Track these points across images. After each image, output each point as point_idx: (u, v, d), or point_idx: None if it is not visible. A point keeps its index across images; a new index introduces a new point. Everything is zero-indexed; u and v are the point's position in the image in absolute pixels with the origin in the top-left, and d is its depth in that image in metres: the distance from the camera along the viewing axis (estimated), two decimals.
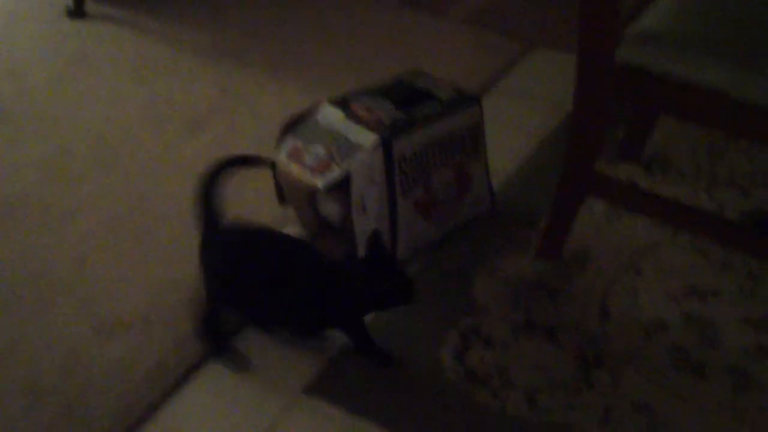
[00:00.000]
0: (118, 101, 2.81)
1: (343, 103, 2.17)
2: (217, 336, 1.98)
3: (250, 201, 2.37)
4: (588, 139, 2.02)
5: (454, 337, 2.01)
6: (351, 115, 2.12)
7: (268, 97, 2.81)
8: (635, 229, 2.28)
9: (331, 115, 2.14)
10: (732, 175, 2.44)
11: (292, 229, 2.23)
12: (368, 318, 1.94)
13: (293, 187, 2.14)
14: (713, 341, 1.99)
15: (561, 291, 2.12)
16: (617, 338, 2.01)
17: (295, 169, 2.11)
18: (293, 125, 2.18)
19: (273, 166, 2.19)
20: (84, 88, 2.86)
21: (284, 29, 3.17)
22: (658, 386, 1.90)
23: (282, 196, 2.24)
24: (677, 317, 2.05)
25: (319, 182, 2.05)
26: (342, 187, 2.05)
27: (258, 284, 1.88)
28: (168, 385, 1.92)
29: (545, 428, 1.82)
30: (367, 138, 2.05)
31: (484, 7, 3.25)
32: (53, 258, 2.23)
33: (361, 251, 2.12)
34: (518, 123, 2.68)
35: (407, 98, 2.18)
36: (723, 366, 1.94)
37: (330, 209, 2.12)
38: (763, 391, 1.88)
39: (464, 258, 2.22)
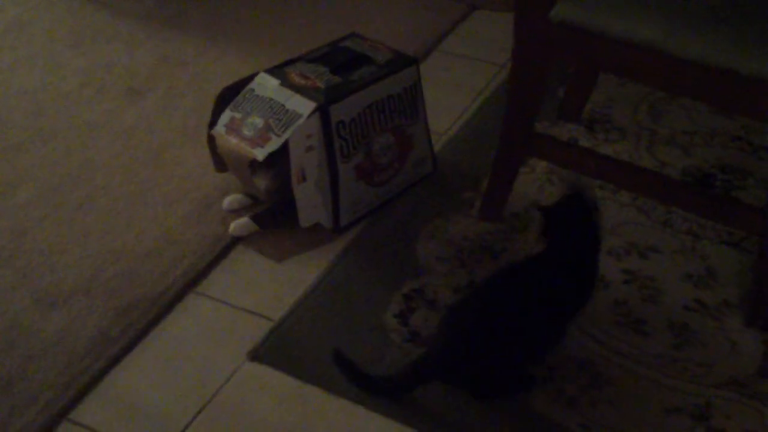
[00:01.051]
0: (55, 69, 2.77)
1: (278, 72, 2.15)
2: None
3: (192, 171, 2.35)
4: (526, 99, 2.03)
5: (398, 298, 2.02)
6: (287, 83, 2.11)
7: (208, 63, 2.78)
8: None
9: (267, 84, 2.12)
10: (672, 134, 2.45)
11: (235, 196, 2.21)
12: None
13: (234, 159, 2.11)
14: (654, 297, 2.01)
15: (503, 251, 2.13)
16: None
17: (234, 142, 2.09)
18: (228, 95, 2.15)
19: (209, 137, 2.17)
20: (21, 57, 2.82)
21: None
22: (600, 343, 1.92)
23: (219, 165, 2.22)
24: (618, 274, 2.07)
25: (258, 154, 2.03)
26: (282, 157, 2.04)
27: None
28: (111, 354, 1.91)
29: None
30: (303, 106, 2.04)
31: None
32: None
33: (305, 220, 2.11)
34: (460, 84, 2.67)
35: (344, 63, 2.17)
36: (663, 321, 1.96)
37: (271, 178, 2.11)
38: (702, 346, 1.91)
39: (407, 220, 2.22)
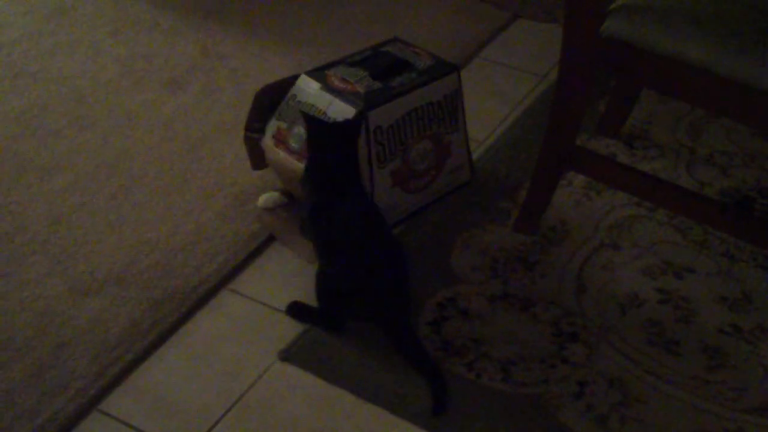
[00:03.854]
0: (97, 57, 2.77)
1: (319, 75, 2.14)
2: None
3: (229, 166, 2.35)
4: (570, 112, 2.01)
5: (431, 307, 2.01)
6: (327, 86, 2.10)
7: (248, 58, 2.78)
8: (614, 204, 2.27)
9: (308, 88, 2.12)
10: (712, 153, 2.44)
11: (271, 194, 2.21)
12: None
13: (284, 172, 2.11)
14: (688, 318, 2.00)
15: (538, 263, 2.12)
16: (593, 312, 2.01)
17: (282, 155, 2.08)
18: (268, 95, 2.15)
19: (246, 136, 2.17)
20: (63, 43, 2.82)
21: None
22: (632, 362, 1.90)
23: (256, 163, 2.22)
24: (653, 293, 2.06)
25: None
26: None
27: None
28: (143, 346, 1.92)
29: (520, 401, 1.83)
30: (345, 112, 2.03)
31: None
32: (28, 215, 2.21)
33: None
34: (500, 93, 2.66)
35: (385, 68, 2.16)
36: (697, 344, 1.95)
37: None
38: (735, 369, 1.89)
39: (442, 228, 2.21)
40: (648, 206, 2.26)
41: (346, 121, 1.98)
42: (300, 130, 2.06)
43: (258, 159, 2.21)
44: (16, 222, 2.19)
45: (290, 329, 1.96)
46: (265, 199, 2.21)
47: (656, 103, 2.59)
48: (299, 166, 2.03)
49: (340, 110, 2.04)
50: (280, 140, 2.11)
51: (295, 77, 2.16)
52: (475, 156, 2.37)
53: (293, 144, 2.08)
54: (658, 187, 2.09)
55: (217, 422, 1.78)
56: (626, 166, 2.25)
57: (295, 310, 1.98)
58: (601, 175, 2.15)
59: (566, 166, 2.13)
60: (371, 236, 1.89)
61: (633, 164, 2.38)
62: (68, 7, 2.98)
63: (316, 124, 1.95)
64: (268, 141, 2.14)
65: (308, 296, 1.97)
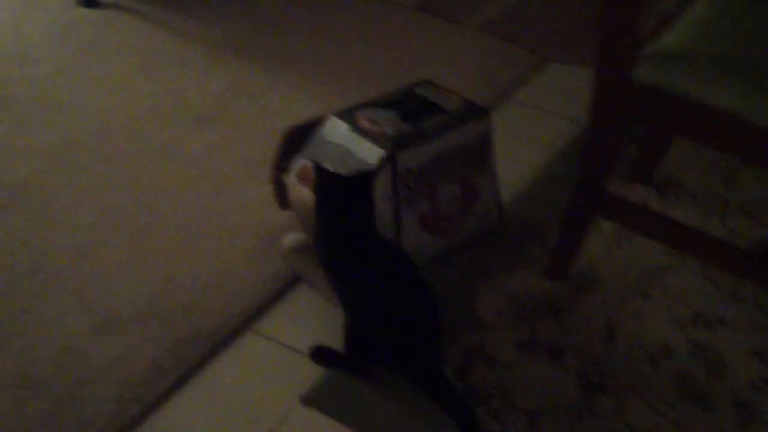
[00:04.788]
0: (125, 92, 2.77)
1: (348, 116, 2.13)
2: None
3: (255, 205, 2.33)
4: (600, 158, 1.99)
5: (457, 353, 1.98)
6: (356, 128, 2.08)
7: (276, 96, 2.77)
8: (645, 252, 2.24)
9: (336, 129, 2.10)
10: (745, 203, 2.40)
11: (296, 235, 2.19)
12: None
13: (307, 209, 2.09)
14: (719, 371, 1.96)
15: (567, 311, 2.09)
16: (622, 363, 1.97)
17: (306, 193, 2.06)
18: (296, 135, 2.13)
19: (273, 175, 2.15)
20: (92, 78, 2.83)
21: (295, 26, 3.14)
22: (662, 415, 1.86)
23: (282, 202, 2.20)
24: (683, 344, 2.02)
25: None
26: None
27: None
28: (163, 387, 1.89)
29: None
30: (372, 153, 2.01)
31: (500, 17, 3.22)
32: (53, 249, 2.20)
33: None
34: (531, 136, 2.64)
35: (415, 110, 2.15)
36: (728, 398, 1.90)
37: None
38: (767, 426, 1.85)
39: (469, 272, 2.19)
40: (679, 255, 2.22)
41: (360, 174, 1.94)
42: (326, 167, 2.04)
43: (285, 198, 2.20)
44: (40, 257, 2.18)
45: (314, 373, 1.92)
46: (291, 239, 2.19)
47: (689, 150, 2.56)
48: None
49: (369, 152, 2.03)
50: (304, 178, 2.09)
51: (324, 118, 2.15)
52: (504, 200, 2.35)
53: None
54: (690, 235, 2.05)
55: None
56: (657, 214, 2.22)
57: (319, 355, 1.95)
58: (632, 223, 2.12)
59: (596, 213, 2.10)
60: (400, 282, 1.86)
61: (664, 211, 2.35)
62: (100, 42, 2.99)
63: (328, 177, 1.88)
64: (292, 179, 2.12)
65: (333, 339, 1.94)
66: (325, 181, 1.88)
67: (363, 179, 1.88)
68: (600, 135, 1.94)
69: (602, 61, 1.84)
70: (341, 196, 1.86)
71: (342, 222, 1.86)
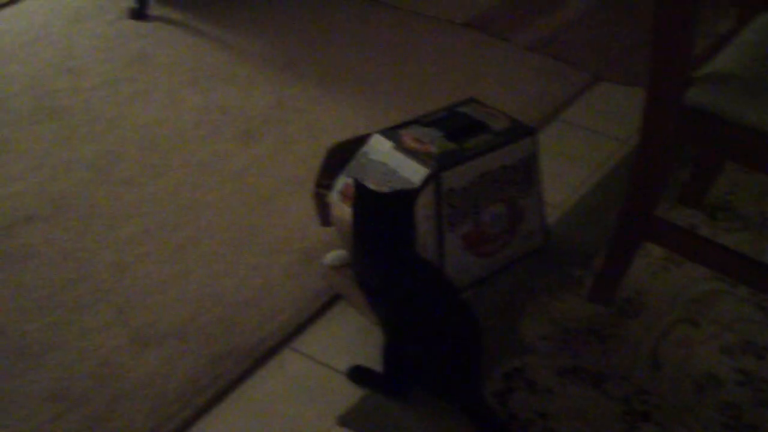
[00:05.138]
0: (172, 105, 2.77)
1: (393, 134, 2.10)
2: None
3: (298, 221, 2.32)
4: (650, 182, 1.94)
5: (498, 377, 1.94)
6: (400, 146, 2.06)
7: (323, 112, 2.75)
8: (693, 278, 2.19)
9: (380, 147, 2.08)
10: None
11: (338, 253, 2.16)
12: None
13: (349, 228, 2.06)
14: (767, 401, 1.91)
15: (612, 337, 2.04)
16: (667, 391, 1.92)
17: (348, 210, 2.03)
18: (339, 153, 2.11)
19: (315, 192, 2.14)
20: (140, 90, 2.83)
21: (343, 42, 3.12)
22: None
23: (324, 220, 2.18)
24: (731, 374, 1.96)
25: None
26: None
27: None
28: (200, 403, 1.87)
29: None
30: (416, 172, 1.99)
31: (550, 36, 3.18)
32: (94, 263, 2.19)
33: None
34: (578, 157, 2.60)
35: (460, 128, 2.12)
36: None
37: None
38: None
39: (513, 295, 2.15)
40: (730, 281, 2.17)
41: (400, 192, 1.92)
42: (368, 186, 2.02)
43: (327, 216, 2.17)
44: (81, 269, 2.17)
45: (351, 393, 1.90)
46: (332, 257, 2.17)
47: (741, 174, 2.51)
48: None
49: (412, 170, 2.00)
50: (347, 196, 2.06)
51: (368, 135, 2.12)
52: (549, 221, 2.31)
53: None
54: (740, 262, 2.00)
55: None
56: (707, 240, 2.17)
57: (357, 375, 1.92)
58: (681, 248, 2.07)
59: (644, 238, 2.05)
60: (439, 304, 1.83)
61: (714, 237, 2.29)
62: (148, 55, 3.00)
63: (367, 195, 1.87)
64: (335, 196, 2.10)
65: (372, 359, 1.91)
66: (365, 199, 1.86)
67: (403, 198, 1.86)
68: (650, 158, 1.89)
69: (654, 82, 1.80)
70: (380, 214, 1.84)
71: (380, 241, 1.84)
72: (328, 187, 2.13)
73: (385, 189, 1.99)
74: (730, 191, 2.46)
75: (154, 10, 3.25)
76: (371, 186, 1.94)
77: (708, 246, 2.05)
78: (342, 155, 2.12)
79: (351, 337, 2.03)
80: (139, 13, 3.21)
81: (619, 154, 2.61)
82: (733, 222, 2.37)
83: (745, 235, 2.32)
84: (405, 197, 1.87)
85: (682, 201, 2.41)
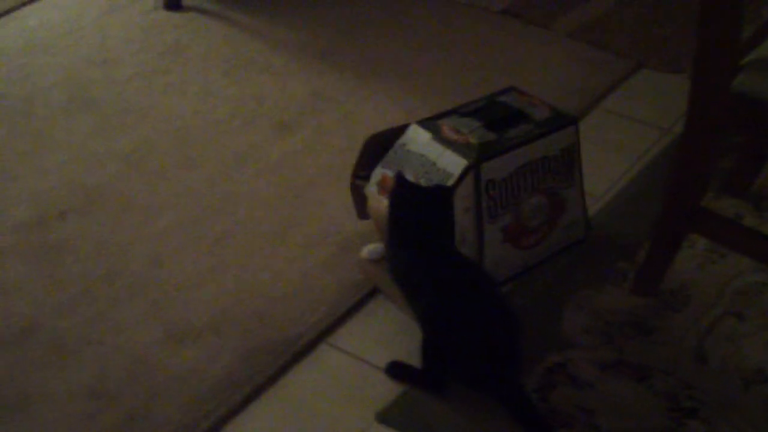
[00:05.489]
0: (207, 97, 2.74)
1: (431, 124, 2.06)
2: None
3: (334, 213, 2.28)
4: (695, 173, 1.89)
5: (539, 372, 1.90)
6: (439, 136, 2.02)
7: (359, 103, 2.72)
8: (740, 270, 2.13)
9: (418, 138, 2.04)
10: None
11: (375, 246, 2.13)
12: None
13: (386, 220, 2.03)
14: None
15: (656, 330, 2.00)
16: (714, 387, 1.87)
17: (386, 203, 1.99)
18: (376, 144, 2.07)
19: (353, 183, 2.10)
20: (174, 82, 2.81)
21: (379, 32, 3.08)
22: None
23: (361, 212, 2.15)
24: None
25: None
26: None
27: None
28: (237, 400, 1.85)
29: None
30: (456, 164, 1.95)
31: (591, 22, 3.12)
32: (130, 256, 2.18)
33: None
34: (620, 146, 2.54)
35: (499, 118, 2.07)
36: None
37: None
38: None
39: (554, 288, 2.11)
40: None
41: (439, 187, 1.89)
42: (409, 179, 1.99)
43: (364, 208, 2.14)
44: (117, 263, 2.15)
45: (390, 389, 1.87)
46: (369, 249, 2.13)
47: None
48: None
49: (451, 162, 1.96)
50: (384, 188, 2.03)
51: (406, 126, 2.09)
52: (591, 212, 2.26)
53: None
54: None
55: None
56: (753, 231, 2.11)
57: (395, 371, 1.89)
58: (726, 239, 2.02)
59: (689, 228, 2.00)
60: (476, 299, 1.79)
61: (760, 227, 2.24)
62: (182, 46, 2.97)
63: (405, 188, 1.86)
64: (372, 189, 2.07)
65: (410, 354, 1.88)
66: (402, 192, 1.83)
67: (441, 193, 1.83)
68: (695, 148, 1.85)
69: (700, 69, 1.75)
70: (417, 208, 1.81)
71: (416, 235, 1.81)
72: (366, 178, 2.09)
73: (423, 181, 1.95)
74: None
75: (188, 0, 3.22)
76: (410, 178, 1.90)
77: (754, 237, 2.01)
78: (379, 146, 2.08)
79: (389, 332, 2.00)
80: (173, 4, 3.18)
81: (661, 144, 2.55)
82: None
83: None
84: (442, 192, 1.84)
85: (727, 190, 2.35)
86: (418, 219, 1.83)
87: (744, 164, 2.35)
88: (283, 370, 1.92)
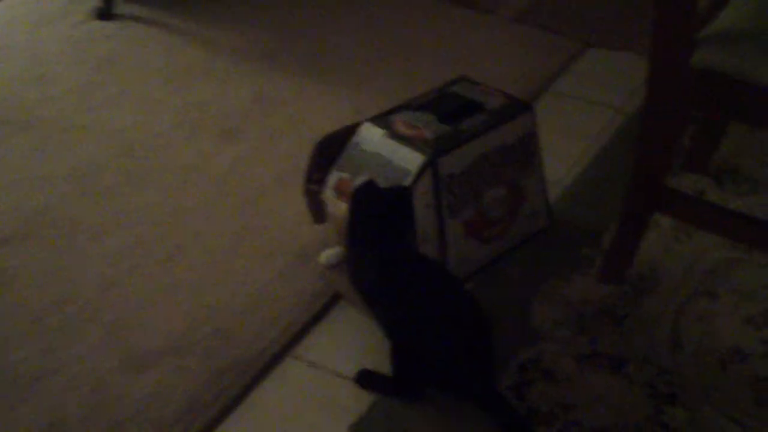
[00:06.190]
0: (149, 108, 2.66)
1: (383, 121, 2.00)
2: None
3: (289, 221, 2.21)
4: (659, 151, 1.84)
5: (513, 369, 1.84)
6: (392, 133, 1.95)
7: (306, 104, 2.64)
8: (707, 248, 2.10)
9: (372, 136, 1.97)
10: None
11: (333, 250, 2.06)
12: None
13: (344, 225, 1.95)
14: None
15: (628, 317, 1.95)
16: (691, 370, 1.83)
17: (344, 207, 1.92)
18: (329, 145, 2.00)
19: (306, 188, 2.03)
20: (113, 94, 2.71)
21: (321, 30, 3.01)
22: (739, 425, 1.72)
23: (317, 217, 2.08)
24: (757, 346, 1.87)
25: None
26: None
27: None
28: (203, 423, 1.77)
29: None
30: (411, 160, 1.88)
31: (535, 5, 3.07)
32: (80, 281, 2.09)
33: None
34: (575, 128, 2.50)
35: (453, 110, 2.02)
36: None
37: None
38: None
39: (520, 281, 2.05)
40: (744, 248, 2.08)
41: (396, 188, 1.83)
42: (363, 179, 1.92)
43: (319, 212, 2.07)
44: (67, 288, 2.07)
45: (361, 399, 1.80)
46: (327, 255, 2.07)
47: (745, 134, 2.41)
48: None
49: (407, 158, 1.90)
50: (341, 191, 1.96)
51: (357, 125, 2.02)
52: (551, 199, 2.21)
53: None
54: (755, 226, 1.92)
55: None
56: (718, 206, 2.08)
57: (365, 380, 1.83)
58: (692, 217, 1.98)
59: (654, 209, 1.96)
60: (441, 300, 1.73)
61: (724, 202, 2.20)
62: (118, 56, 2.88)
63: (363, 192, 1.80)
64: (329, 193, 2.00)
65: (378, 360, 1.81)
66: (362, 196, 1.77)
67: (400, 193, 1.77)
68: (657, 126, 1.80)
69: (658, 46, 1.70)
70: (377, 211, 1.75)
71: (377, 239, 1.75)
72: (320, 182, 2.02)
73: (380, 180, 1.89)
74: (735, 154, 2.37)
75: (121, 8, 3.13)
76: (368, 182, 1.85)
77: (720, 213, 1.98)
78: (332, 148, 2.01)
79: (355, 339, 1.93)
80: (105, 13, 3.08)
81: (615, 123, 2.52)
82: (740, 185, 2.27)
83: (754, 198, 2.23)
84: (402, 193, 1.78)
85: (687, 167, 2.31)
86: (378, 222, 1.76)
87: (702, 139, 2.31)
88: (249, 388, 1.84)
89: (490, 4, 3.08)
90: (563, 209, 2.23)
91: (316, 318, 1.99)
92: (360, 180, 1.87)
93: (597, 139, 2.46)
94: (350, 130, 2.02)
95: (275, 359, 1.90)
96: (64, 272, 2.11)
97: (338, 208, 1.94)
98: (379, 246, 1.77)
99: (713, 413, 1.75)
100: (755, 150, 2.37)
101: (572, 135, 2.48)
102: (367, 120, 2.01)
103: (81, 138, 2.54)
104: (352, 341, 1.93)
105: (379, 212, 1.76)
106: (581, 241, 2.14)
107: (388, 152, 1.93)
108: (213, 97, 2.69)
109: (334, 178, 1.98)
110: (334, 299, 2.03)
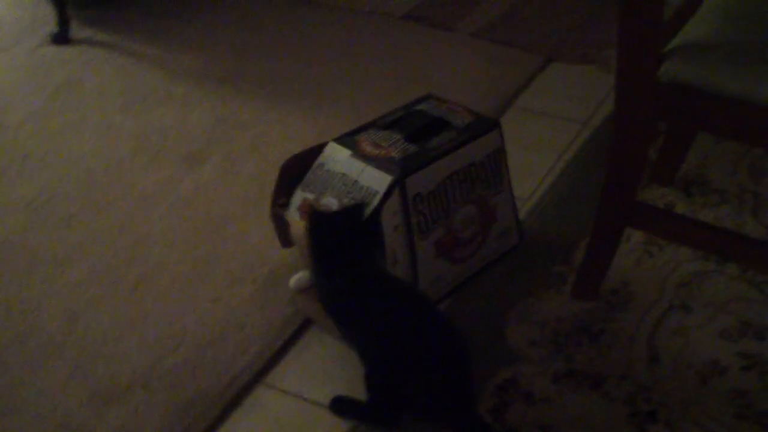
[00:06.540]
0: (107, 134, 2.61)
1: (349, 140, 1.97)
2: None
3: (256, 245, 2.17)
4: (630, 165, 1.82)
5: (491, 391, 1.81)
6: (358, 153, 1.92)
7: (268, 126, 2.60)
8: (678, 260, 2.08)
9: (338, 156, 1.94)
10: None
11: (303, 274, 2.02)
12: None
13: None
14: None
15: (603, 333, 1.92)
16: (670, 385, 1.81)
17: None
18: (294, 167, 1.97)
19: (273, 211, 1.99)
20: (70, 121, 2.66)
21: (282, 50, 2.98)
22: None
23: (285, 240, 2.04)
24: (734, 359, 1.85)
25: None
26: None
27: None
28: None
29: None
30: (379, 180, 1.85)
31: (494, 21, 3.05)
32: (42, 314, 2.03)
33: None
34: (540, 143, 2.48)
35: (420, 128, 1.98)
36: None
37: None
38: None
39: (493, 301, 2.02)
40: (716, 259, 2.07)
41: (348, 208, 1.81)
42: (329, 200, 1.89)
43: (287, 236, 2.03)
44: (29, 322, 2.01)
45: (337, 427, 1.76)
46: (297, 279, 2.02)
47: (711, 145, 2.40)
48: None
49: (374, 178, 1.86)
50: (306, 212, 1.92)
51: (323, 145, 1.98)
52: (520, 215, 2.18)
53: None
54: (725, 237, 1.91)
55: None
56: (688, 218, 2.07)
57: (340, 407, 1.78)
58: (663, 230, 1.96)
59: (626, 223, 1.93)
60: (413, 322, 1.70)
61: (693, 214, 2.19)
62: (75, 82, 2.83)
63: (316, 218, 1.78)
64: (293, 214, 1.96)
65: (353, 385, 1.77)
66: (316, 220, 1.74)
67: (352, 211, 1.74)
68: (627, 140, 1.78)
69: (625, 60, 1.68)
70: (334, 232, 1.72)
71: (340, 261, 1.71)
72: (286, 205, 1.98)
73: (346, 201, 1.86)
74: (702, 164, 2.36)
75: (77, 32, 3.08)
76: (332, 201, 1.81)
77: (690, 225, 1.96)
78: (297, 169, 1.98)
79: (328, 365, 1.89)
80: (61, 38, 3.03)
81: (582, 137, 2.50)
82: (709, 196, 2.26)
83: (724, 209, 2.22)
84: (352, 212, 1.75)
85: (655, 179, 2.30)
86: (337, 247, 1.73)
87: (668, 151, 2.29)
88: (221, 419, 1.80)
89: (449, 21, 3.07)
90: (533, 226, 2.20)
91: (288, 344, 1.95)
92: (312, 195, 1.85)
93: (563, 154, 2.44)
94: (316, 151, 1.99)
95: (246, 388, 1.85)
96: (25, 305, 2.05)
97: (303, 228, 1.90)
98: (345, 269, 1.74)
99: (694, 429, 1.72)
100: (722, 160, 2.36)
101: (538, 150, 2.46)
102: (332, 140, 1.98)
103: (39, 167, 2.49)
104: (325, 368, 1.89)
105: (336, 239, 1.73)
106: (552, 258, 2.12)
107: (354, 173, 1.90)
108: (174, 122, 2.65)
109: (298, 198, 1.94)
110: (306, 324, 1.99)
